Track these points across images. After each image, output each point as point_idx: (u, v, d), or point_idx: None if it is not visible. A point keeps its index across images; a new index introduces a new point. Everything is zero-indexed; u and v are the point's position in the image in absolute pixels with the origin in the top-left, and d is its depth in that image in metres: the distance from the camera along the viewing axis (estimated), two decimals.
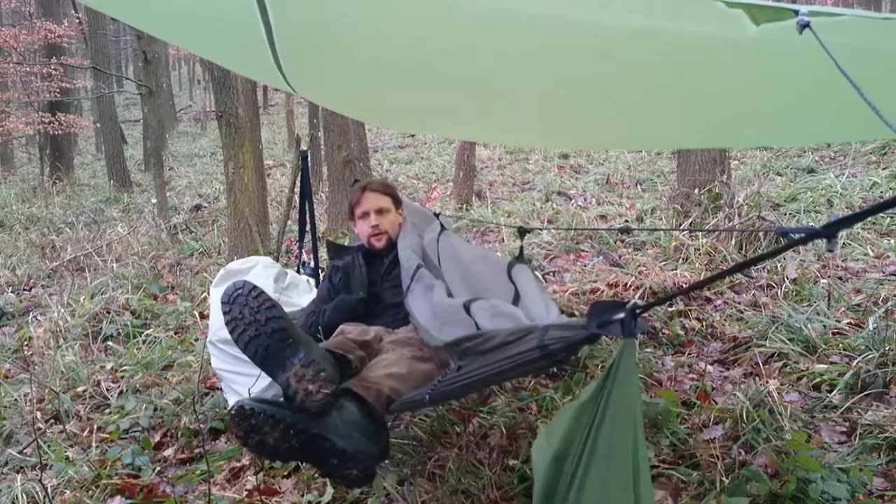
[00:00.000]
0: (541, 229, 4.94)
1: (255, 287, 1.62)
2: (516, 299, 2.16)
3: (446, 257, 2.36)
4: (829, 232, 0.77)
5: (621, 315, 0.99)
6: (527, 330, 1.38)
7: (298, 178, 3.54)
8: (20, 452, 2.53)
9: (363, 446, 1.57)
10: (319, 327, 2.26)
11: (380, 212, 2.42)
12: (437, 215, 2.68)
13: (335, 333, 2.08)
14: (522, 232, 2.56)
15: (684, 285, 3.47)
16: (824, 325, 2.84)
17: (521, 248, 2.47)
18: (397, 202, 2.52)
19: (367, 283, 2.35)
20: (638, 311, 0.98)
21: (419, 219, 2.63)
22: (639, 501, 0.95)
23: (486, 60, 1.55)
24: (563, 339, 1.18)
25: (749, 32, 1.06)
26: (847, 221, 0.78)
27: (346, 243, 2.87)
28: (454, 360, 1.68)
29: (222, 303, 1.61)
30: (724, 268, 3.70)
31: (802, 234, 0.82)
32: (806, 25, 0.92)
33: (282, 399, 1.64)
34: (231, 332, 1.61)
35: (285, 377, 1.56)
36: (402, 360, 1.86)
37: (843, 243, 3.94)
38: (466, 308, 1.93)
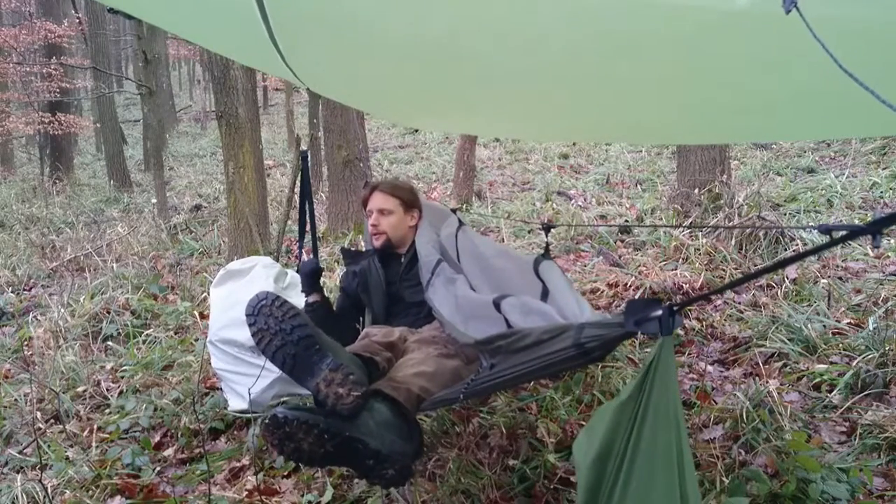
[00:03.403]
0: (562, 226, 4.92)
1: (277, 297, 1.63)
2: (544, 296, 2.15)
3: (466, 253, 2.35)
4: (875, 229, 0.75)
5: (659, 312, 0.99)
6: (561, 328, 1.37)
7: (298, 178, 3.54)
8: (20, 452, 2.53)
9: (397, 446, 1.58)
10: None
11: (382, 212, 2.42)
12: (454, 211, 2.67)
13: (360, 336, 2.08)
14: (547, 228, 2.55)
15: (684, 285, 3.47)
16: (824, 325, 2.84)
17: (547, 244, 2.48)
18: (406, 205, 2.45)
19: (386, 284, 2.35)
20: (675, 308, 0.98)
21: (435, 215, 2.62)
22: (685, 500, 0.95)
23: (484, 44, 1.54)
24: (599, 338, 1.18)
25: (739, 4, 1.05)
26: (892, 219, 0.75)
27: (345, 244, 2.87)
28: (485, 358, 1.67)
29: (247, 315, 1.63)
30: (724, 268, 3.70)
31: (846, 232, 0.80)
32: (793, 5, 0.90)
33: (282, 401, 1.64)
34: (258, 344, 1.62)
35: (315, 383, 1.57)
36: (430, 359, 1.86)
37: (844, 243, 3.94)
38: (496, 305, 1.92)
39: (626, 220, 5.36)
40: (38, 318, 4.01)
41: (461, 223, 2.54)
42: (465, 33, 1.50)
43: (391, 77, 2.04)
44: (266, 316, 1.59)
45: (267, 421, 1.53)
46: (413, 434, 1.66)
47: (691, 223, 4.34)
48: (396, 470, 1.56)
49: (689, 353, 2.87)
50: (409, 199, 2.48)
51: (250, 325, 1.61)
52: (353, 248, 2.69)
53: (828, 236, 0.83)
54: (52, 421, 2.78)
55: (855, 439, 2.10)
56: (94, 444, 2.48)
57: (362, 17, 1.54)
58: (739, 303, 3.29)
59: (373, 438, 1.54)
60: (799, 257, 0.93)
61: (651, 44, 1.35)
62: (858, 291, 3.22)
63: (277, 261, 3.20)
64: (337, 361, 1.58)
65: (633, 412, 1.02)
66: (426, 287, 2.15)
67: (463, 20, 1.42)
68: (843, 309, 3.03)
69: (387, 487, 1.91)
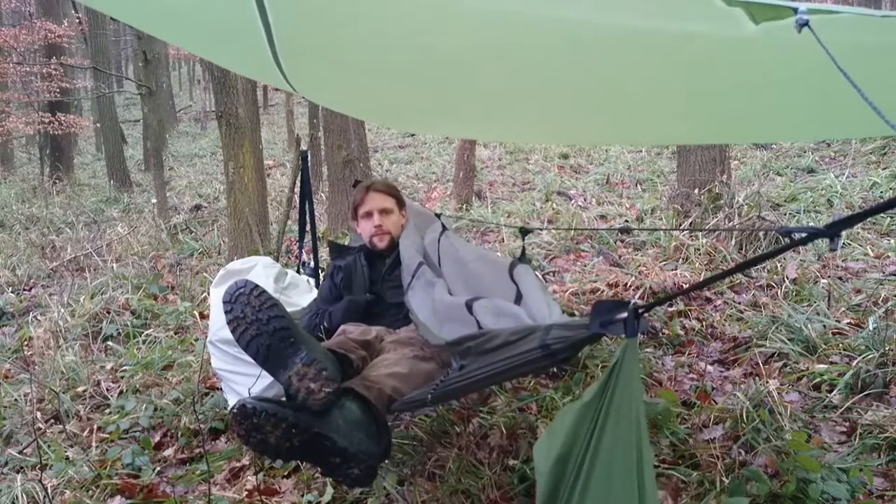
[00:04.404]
0: (541, 229, 4.94)
1: (256, 286, 1.62)
2: (518, 299, 2.16)
3: (447, 257, 2.37)
4: (833, 231, 0.76)
5: (623, 314, 0.99)
6: (529, 329, 1.38)
7: (298, 178, 3.54)
8: (20, 452, 2.53)
9: (364, 445, 1.57)
10: (323, 326, 2.26)
11: (383, 212, 2.43)
12: (438, 216, 2.68)
13: (337, 333, 2.08)
14: (524, 232, 2.56)
15: (684, 285, 3.47)
16: (824, 325, 2.84)
17: (524, 248, 2.47)
18: (400, 203, 2.52)
19: (369, 283, 2.35)
20: (640, 311, 0.98)
21: (421, 219, 2.64)
22: (643, 503, 0.94)
23: (486, 60, 1.56)
24: (565, 339, 1.18)
25: (748, 31, 1.06)
26: (850, 221, 0.77)
27: (346, 243, 2.87)
28: (456, 359, 1.68)
29: (224, 302, 1.61)
30: (724, 267, 3.70)
31: (805, 234, 0.82)
32: (805, 24, 0.92)
33: (283, 398, 1.64)
34: (233, 332, 1.61)
35: (287, 376, 1.56)
36: (404, 360, 1.86)
37: (844, 243, 3.94)
38: (468, 307, 1.93)
39: (626, 220, 5.35)
40: (38, 318, 4.01)
41: (444, 228, 2.55)
42: (467, 51, 1.51)
43: (390, 90, 2.05)
44: (243, 304, 1.58)
45: (234, 410, 1.51)
46: (382, 435, 1.65)
47: (691, 223, 4.34)
48: (361, 470, 1.55)
49: (689, 353, 2.87)
50: (401, 198, 2.55)
51: (227, 313, 1.59)
52: (338, 243, 2.69)
53: (788, 238, 0.84)
54: (52, 421, 2.78)
55: (855, 439, 2.10)
56: (94, 444, 2.48)
57: (363, 33, 1.55)
58: (739, 303, 3.29)
59: (341, 436, 1.54)
60: (758, 260, 0.94)
61: (654, 59, 1.36)
62: (858, 291, 3.22)
63: (277, 261, 3.20)
64: (311, 356, 1.57)
65: (595, 415, 1.02)
66: (406, 290, 2.15)
67: (463, 35, 1.43)
68: (843, 309, 3.03)
69: (351, 486, 1.90)
